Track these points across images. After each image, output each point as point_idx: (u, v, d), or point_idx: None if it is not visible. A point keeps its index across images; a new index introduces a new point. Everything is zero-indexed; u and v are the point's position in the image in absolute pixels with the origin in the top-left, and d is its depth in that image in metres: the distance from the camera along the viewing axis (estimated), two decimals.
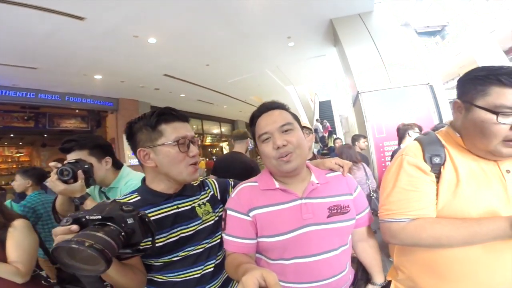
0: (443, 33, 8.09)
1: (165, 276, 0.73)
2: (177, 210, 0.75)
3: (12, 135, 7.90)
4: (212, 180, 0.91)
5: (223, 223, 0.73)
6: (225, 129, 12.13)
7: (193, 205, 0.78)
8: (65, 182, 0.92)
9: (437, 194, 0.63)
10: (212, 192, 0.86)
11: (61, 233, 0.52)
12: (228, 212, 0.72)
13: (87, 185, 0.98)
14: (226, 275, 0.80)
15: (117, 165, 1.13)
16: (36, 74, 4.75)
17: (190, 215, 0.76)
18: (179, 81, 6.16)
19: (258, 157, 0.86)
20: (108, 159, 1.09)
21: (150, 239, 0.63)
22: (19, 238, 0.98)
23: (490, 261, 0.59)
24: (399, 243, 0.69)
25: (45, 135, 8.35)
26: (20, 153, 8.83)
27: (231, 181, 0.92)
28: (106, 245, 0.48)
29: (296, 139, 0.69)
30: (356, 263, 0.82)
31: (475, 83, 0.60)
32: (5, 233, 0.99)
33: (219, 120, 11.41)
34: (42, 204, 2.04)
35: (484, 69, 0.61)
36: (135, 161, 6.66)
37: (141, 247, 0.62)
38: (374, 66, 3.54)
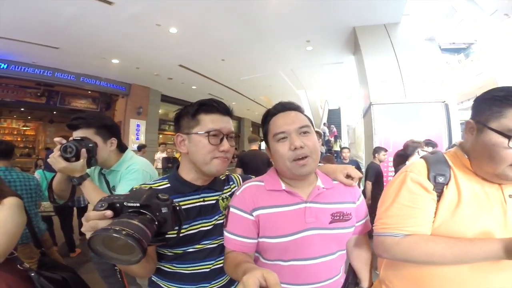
0: (468, 51, 7.66)
1: (175, 267, 0.72)
2: (202, 203, 0.74)
3: (22, 109, 8.03)
4: (237, 175, 0.90)
5: (225, 219, 0.72)
6: None
7: (218, 199, 0.77)
8: (67, 159, 0.88)
9: (435, 212, 0.63)
10: (236, 187, 0.85)
11: (94, 218, 0.49)
12: (232, 209, 0.71)
13: (89, 165, 0.95)
14: None
15: (122, 148, 1.10)
16: (57, 54, 4.84)
17: (213, 209, 0.76)
18: (193, 73, 6.22)
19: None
20: (114, 141, 1.06)
21: (176, 229, 0.60)
22: (4, 217, 0.91)
23: (477, 281, 0.59)
24: (391, 258, 0.68)
25: (54, 112, 8.47)
26: (27, 127, 8.92)
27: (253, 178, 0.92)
28: (142, 234, 0.46)
29: (313, 143, 0.68)
30: (349, 267, 0.83)
31: (491, 103, 0.58)
32: None
33: None
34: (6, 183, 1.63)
35: (503, 89, 0.59)
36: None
37: (165, 237, 0.60)
38: (391, 78, 3.51)
